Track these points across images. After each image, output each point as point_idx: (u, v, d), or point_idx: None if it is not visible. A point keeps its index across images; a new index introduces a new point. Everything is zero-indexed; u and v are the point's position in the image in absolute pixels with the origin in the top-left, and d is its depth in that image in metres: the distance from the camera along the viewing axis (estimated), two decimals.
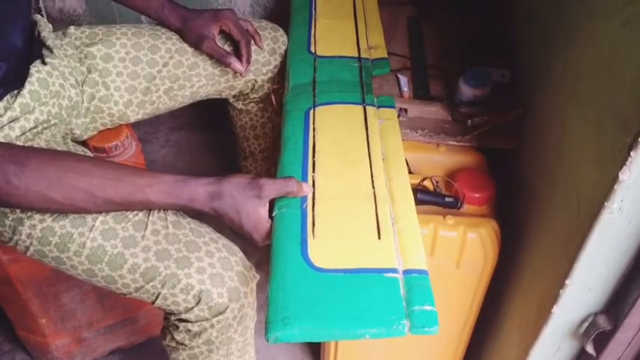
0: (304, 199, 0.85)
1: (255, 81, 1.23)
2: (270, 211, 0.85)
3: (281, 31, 1.23)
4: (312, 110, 1.02)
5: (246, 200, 0.82)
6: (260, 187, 0.82)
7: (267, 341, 0.71)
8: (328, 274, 0.76)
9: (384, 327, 0.71)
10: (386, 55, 1.19)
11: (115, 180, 0.80)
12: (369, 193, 0.86)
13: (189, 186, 0.82)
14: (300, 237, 0.80)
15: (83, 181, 0.78)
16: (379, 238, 0.80)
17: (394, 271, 0.76)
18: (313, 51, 1.17)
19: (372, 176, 0.89)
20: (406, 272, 0.76)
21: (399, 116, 1.07)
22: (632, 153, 0.65)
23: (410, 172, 0.93)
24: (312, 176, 0.89)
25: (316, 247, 0.79)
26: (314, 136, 0.96)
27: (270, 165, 1.46)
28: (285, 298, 0.73)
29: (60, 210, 0.83)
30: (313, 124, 0.99)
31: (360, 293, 0.73)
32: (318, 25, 1.24)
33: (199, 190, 0.82)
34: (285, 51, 1.22)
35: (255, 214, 0.83)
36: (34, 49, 0.96)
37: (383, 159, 0.93)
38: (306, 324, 0.71)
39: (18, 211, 0.86)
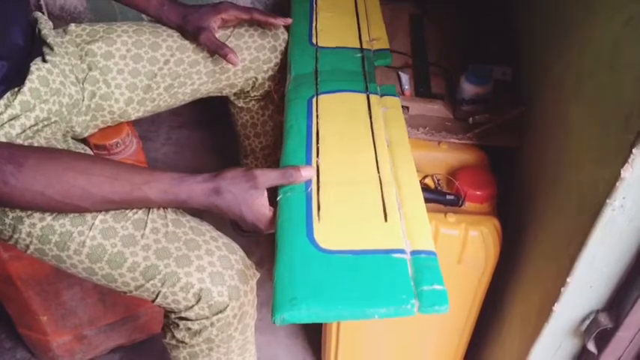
0: (309, 183, 0.85)
1: (256, 78, 1.23)
2: (271, 198, 0.85)
3: (282, 29, 1.23)
4: (314, 98, 1.01)
5: (244, 193, 0.82)
6: (255, 177, 0.82)
7: (274, 322, 0.70)
8: (335, 255, 0.75)
9: (392, 306, 0.70)
10: (388, 46, 1.19)
11: (112, 178, 0.80)
12: (374, 177, 0.86)
13: (186, 183, 0.82)
14: (306, 220, 0.80)
15: (81, 179, 0.78)
16: (386, 220, 0.80)
17: (402, 251, 0.76)
18: (315, 43, 1.17)
19: (377, 162, 0.89)
20: (414, 253, 0.76)
21: None
22: (634, 150, 0.64)
23: None
24: (317, 161, 0.88)
25: (322, 230, 0.78)
26: (317, 124, 0.96)
27: (271, 163, 1.46)
28: (292, 280, 0.73)
29: (58, 209, 0.83)
30: (316, 111, 0.98)
31: (368, 274, 0.73)
32: (320, 19, 1.24)
33: (196, 188, 0.82)
34: (286, 48, 1.22)
35: (255, 204, 0.83)
36: (35, 47, 0.96)
37: (387, 145, 0.92)
38: (314, 304, 0.70)
39: (18, 209, 0.86)
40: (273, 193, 0.85)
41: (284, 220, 0.81)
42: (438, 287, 0.71)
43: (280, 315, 0.70)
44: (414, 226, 0.79)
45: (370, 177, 0.86)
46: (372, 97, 1.02)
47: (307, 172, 0.85)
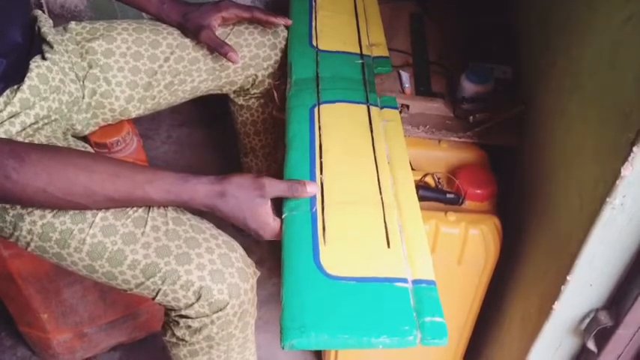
0: (314, 201, 0.85)
1: (256, 76, 1.23)
2: (277, 209, 0.85)
3: (282, 26, 1.23)
4: (316, 108, 1.01)
5: (250, 201, 0.82)
6: (263, 186, 0.82)
7: (283, 348, 0.71)
8: (341, 282, 0.75)
9: (396, 337, 0.70)
10: (387, 54, 1.19)
11: (114, 176, 0.80)
12: (376, 199, 0.86)
13: (190, 184, 0.82)
14: (312, 242, 0.80)
15: (83, 176, 0.78)
16: (389, 246, 0.80)
17: (404, 280, 0.76)
18: (315, 45, 1.17)
19: (378, 181, 0.89)
20: (415, 282, 0.76)
21: (400, 112, 1.06)
22: (634, 149, 0.64)
23: (412, 169, 0.93)
24: (320, 178, 0.88)
25: (328, 254, 0.78)
26: (320, 135, 0.95)
27: (271, 162, 1.45)
28: (300, 306, 0.73)
29: (59, 206, 0.83)
30: (319, 122, 0.98)
31: (373, 303, 0.73)
32: (319, 18, 1.24)
33: (199, 189, 0.82)
34: (286, 45, 1.22)
35: (260, 213, 0.83)
36: (35, 45, 0.96)
37: (388, 162, 0.92)
38: (323, 333, 0.70)
39: (18, 207, 0.86)
40: (277, 203, 0.85)
41: (290, 240, 0.81)
42: (438, 319, 0.72)
43: (289, 341, 0.70)
44: (415, 253, 0.80)
45: (373, 198, 0.86)
46: (373, 110, 1.02)
47: (312, 189, 0.85)
